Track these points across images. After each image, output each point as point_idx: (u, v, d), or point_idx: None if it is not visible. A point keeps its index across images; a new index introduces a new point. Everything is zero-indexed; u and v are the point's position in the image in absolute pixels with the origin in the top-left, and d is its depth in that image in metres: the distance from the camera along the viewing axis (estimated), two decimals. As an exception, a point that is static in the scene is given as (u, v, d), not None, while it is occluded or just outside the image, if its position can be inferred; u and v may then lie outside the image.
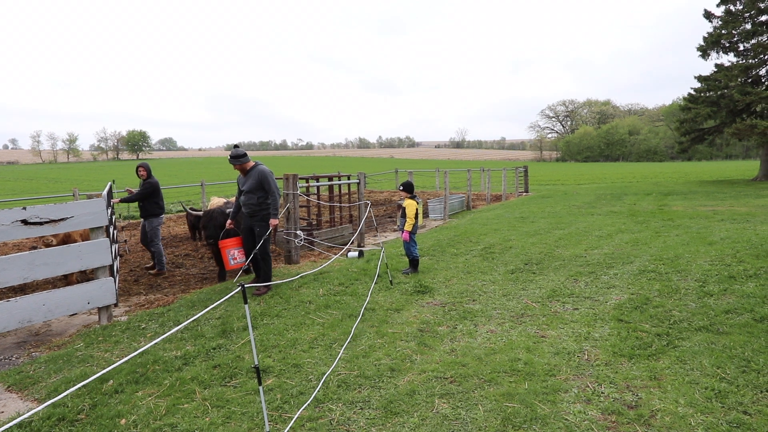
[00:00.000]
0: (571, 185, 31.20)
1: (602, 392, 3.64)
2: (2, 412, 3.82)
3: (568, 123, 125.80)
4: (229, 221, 6.79)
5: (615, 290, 6.15)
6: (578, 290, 6.25)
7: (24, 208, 5.12)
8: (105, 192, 6.71)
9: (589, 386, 3.74)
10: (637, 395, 3.57)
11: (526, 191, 25.06)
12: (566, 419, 3.29)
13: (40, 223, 5.23)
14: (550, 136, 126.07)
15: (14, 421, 2.76)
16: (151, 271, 8.58)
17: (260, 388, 2.02)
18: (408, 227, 7.33)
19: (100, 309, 5.86)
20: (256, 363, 2.04)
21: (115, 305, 6.37)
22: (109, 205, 6.69)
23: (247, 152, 6.66)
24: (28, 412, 3.67)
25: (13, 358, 4.98)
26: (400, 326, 5.20)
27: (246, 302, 2.19)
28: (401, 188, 7.56)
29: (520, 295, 6.15)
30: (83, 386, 4.02)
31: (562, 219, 13.05)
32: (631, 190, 22.98)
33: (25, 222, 5.10)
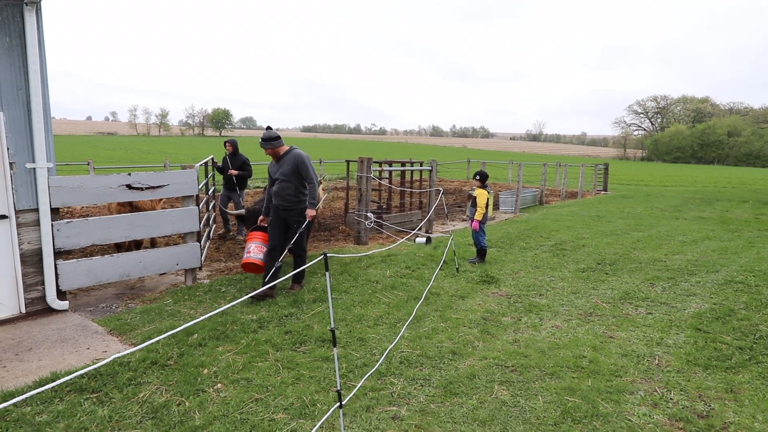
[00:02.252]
0: (655, 186, 29.28)
1: (671, 398, 3.52)
2: (105, 351, 4.33)
3: (658, 120, 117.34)
4: (261, 218, 6.08)
5: (695, 298, 5.82)
6: (654, 295, 5.98)
7: (129, 174, 5.69)
8: (202, 164, 7.25)
9: (657, 391, 3.63)
10: (709, 405, 3.42)
11: (605, 190, 23.85)
12: (629, 420, 3.23)
13: (142, 189, 5.78)
14: (636, 133, 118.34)
15: (113, 357, 3.14)
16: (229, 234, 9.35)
17: (335, 349, 2.20)
18: (478, 216, 7.31)
19: (186, 271, 6.40)
20: (333, 326, 2.21)
21: (200, 269, 6.92)
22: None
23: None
24: (122, 356, 4.16)
25: (113, 307, 5.59)
26: (464, 313, 5.26)
27: (327, 269, 2.36)
28: (477, 177, 7.53)
29: (590, 294, 5.99)
30: (172, 337, 4.46)
31: (643, 221, 12.37)
32: (725, 196, 21.21)
33: (129, 186, 5.66)
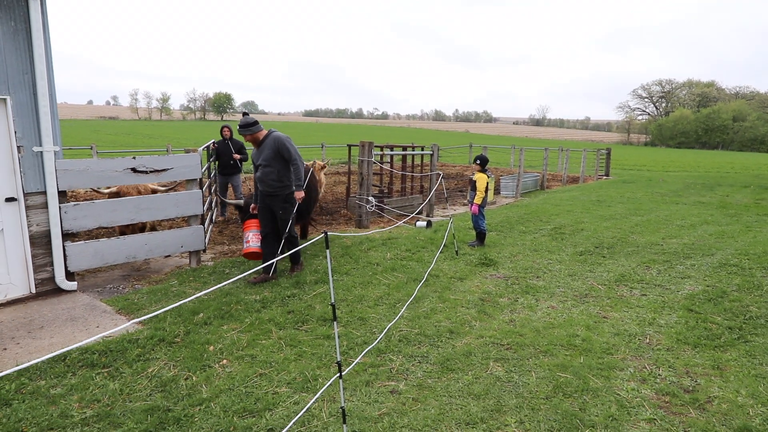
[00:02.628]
0: (658, 172, 29.24)
1: (659, 374, 3.65)
2: (114, 331, 4.47)
3: (663, 105, 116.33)
4: (252, 206, 6.08)
5: (689, 281, 5.94)
6: (649, 277, 6.09)
7: (134, 158, 5.78)
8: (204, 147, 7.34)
9: (646, 367, 3.76)
10: (695, 381, 3.55)
11: (607, 175, 23.85)
12: (618, 394, 3.37)
13: (146, 172, 5.88)
14: (640, 117, 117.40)
15: (121, 326, 3.27)
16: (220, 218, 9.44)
17: (335, 323, 2.31)
18: (478, 200, 7.40)
19: (190, 253, 6.53)
20: (333, 301, 2.32)
21: (204, 251, 7.05)
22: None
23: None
24: (135, 330, 4.31)
25: (120, 288, 5.73)
26: (462, 294, 5.39)
27: (327, 247, 2.47)
28: (477, 161, 7.60)
29: (587, 277, 6.11)
30: (178, 315, 4.61)
31: (642, 206, 12.45)
32: (727, 181, 21.21)
33: (134, 170, 5.76)
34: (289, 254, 3.97)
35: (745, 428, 2.96)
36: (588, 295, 5.46)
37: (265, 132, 5.61)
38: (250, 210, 6.11)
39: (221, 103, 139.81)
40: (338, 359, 2.42)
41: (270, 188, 5.58)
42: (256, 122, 5.55)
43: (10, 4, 4.79)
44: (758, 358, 3.90)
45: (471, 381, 3.56)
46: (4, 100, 4.87)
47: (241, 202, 6.63)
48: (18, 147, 4.99)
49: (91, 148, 14.82)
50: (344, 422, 2.47)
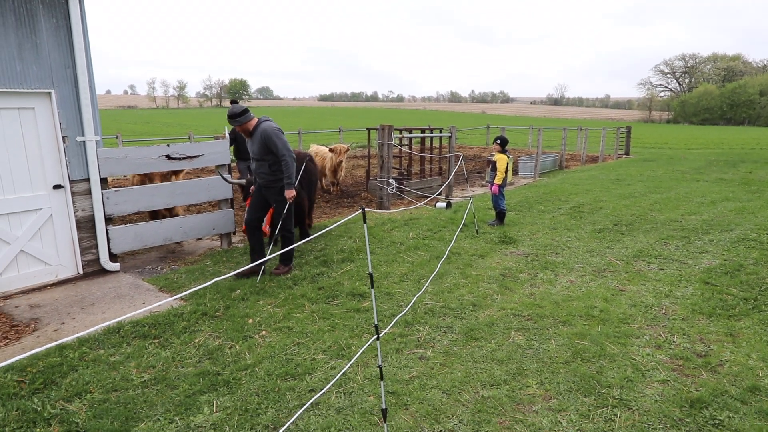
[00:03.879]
0: (680, 149, 28.77)
1: (674, 341, 3.85)
2: (160, 304, 4.82)
3: (686, 80, 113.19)
4: (252, 188, 5.84)
5: (707, 255, 6.06)
6: (667, 253, 6.23)
7: (168, 145, 6.09)
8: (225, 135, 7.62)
9: (661, 335, 3.96)
10: (708, 347, 3.74)
11: (627, 154, 23.60)
12: (634, 359, 3.58)
13: (179, 159, 6.19)
14: (662, 94, 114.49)
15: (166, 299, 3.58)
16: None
17: (372, 290, 2.54)
18: (498, 180, 7.57)
19: (221, 235, 6.86)
20: (370, 270, 2.55)
21: (234, 233, 7.38)
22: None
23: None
24: (179, 306, 4.64)
25: (159, 269, 6.08)
26: (483, 270, 5.62)
27: (365, 221, 2.70)
28: (497, 142, 7.73)
29: (605, 253, 6.27)
30: (217, 293, 4.93)
31: (662, 183, 12.43)
32: (751, 158, 20.84)
33: (168, 157, 6.07)
34: (282, 252, 3.86)
35: (754, 387, 3.15)
36: (606, 270, 5.63)
37: (255, 121, 5.22)
38: (251, 192, 5.89)
39: (237, 89, 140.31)
40: (375, 322, 2.67)
41: (264, 180, 5.37)
42: (245, 111, 5.17)
43: (52, 1, 5.07)
44: (771, 326, 4.06)
45: (494, 348, 3.80)
46: (49, 93, 5.19)
47: (244, 181, 6.58)
48: (63, 137, 5.32)
49: (117, 138, 15.26)
50: (381, 378, 2.73)
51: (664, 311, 4.43)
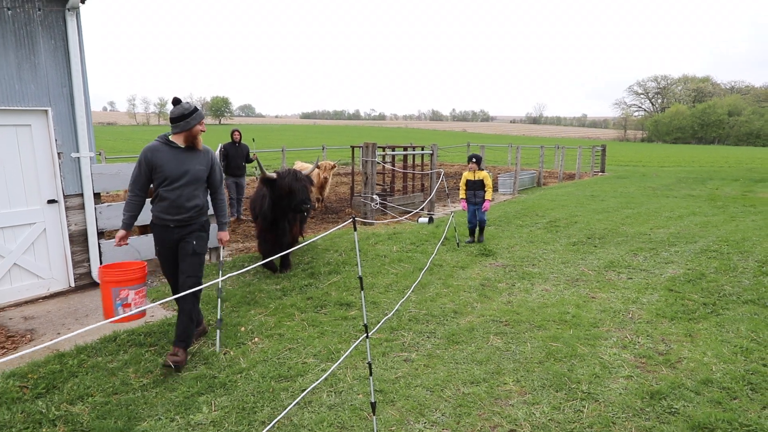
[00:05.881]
0: (653, 167, 29.81)
1: (638, 342, 4.17)
2: (153, 316, 4.99)
3: (659, 101, 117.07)
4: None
5: (672, 265, 6.46)
6: (636, 263, 6.61)
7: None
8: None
9: (627, 337, 4.28)
10: (669, 346, 4.07)
11: (603, 171, 24.40)
12: (602, 358, 3.89)
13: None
14: (636, 114, 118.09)
15: (156, 302, 3.77)
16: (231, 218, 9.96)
17: (362, 292, 2.79)
18: (489, 196, 7.74)
19: (210, 249, 7.03)
20: (360, 274, 2.81)
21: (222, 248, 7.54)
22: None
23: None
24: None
25: (149, 282, 6.23)
26: (464, 280, 5.91)
27: (355, 230, 2.97)
28: (474, 160, 7.99)
29: (579, 264, 6.63)
30: (208, 303, 5.11)
31: (634, 199, 12.98)
32: (719, 175, 21.78)
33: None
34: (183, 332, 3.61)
35: (707, 380, 3.48)
36: (579, 279, 5.97)
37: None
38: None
39: (219, 107, 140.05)
40: (365, 322, 2.92)
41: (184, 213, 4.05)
42: (196, 109, 3.93)
43: (51, 24, 5.30)
44: (726, 328, 4.42)
45: (474, 351, 4.07)
46: (46, 111, 5.37)
47: (274, 175, 6.06)
48: (58, 153, 5.49)
49: (100, 154, 15.29)
50: (371, 374, 2.97)
51: (630, 316, 4.77)
